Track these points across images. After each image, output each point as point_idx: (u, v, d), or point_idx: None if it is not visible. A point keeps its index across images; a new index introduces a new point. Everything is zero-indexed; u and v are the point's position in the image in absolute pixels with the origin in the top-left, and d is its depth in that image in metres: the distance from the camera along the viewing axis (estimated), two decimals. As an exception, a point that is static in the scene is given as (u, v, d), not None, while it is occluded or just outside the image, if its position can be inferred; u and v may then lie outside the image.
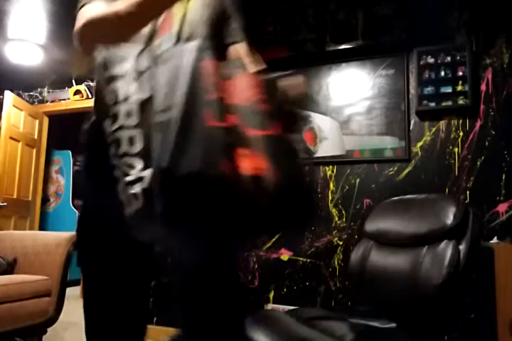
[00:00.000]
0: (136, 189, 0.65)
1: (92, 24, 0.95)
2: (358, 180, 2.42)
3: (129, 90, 0.72)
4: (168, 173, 0.61)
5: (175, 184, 0.61)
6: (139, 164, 0.67)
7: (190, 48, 0.70)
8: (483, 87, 2.18)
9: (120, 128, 0.70)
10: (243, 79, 0.72)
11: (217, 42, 0.83)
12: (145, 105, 0.70)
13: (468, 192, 2.12)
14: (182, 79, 0.66)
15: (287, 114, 0.78)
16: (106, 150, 0.72)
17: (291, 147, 0.73)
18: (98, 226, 0.90)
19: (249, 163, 0.64)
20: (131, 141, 0.69)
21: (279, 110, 0.73)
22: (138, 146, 0.68)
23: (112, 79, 0.74)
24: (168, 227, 0.64)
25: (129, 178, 0.67)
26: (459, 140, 2.18)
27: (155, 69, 0.72)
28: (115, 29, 0.89)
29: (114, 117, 0.71)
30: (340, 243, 2.41)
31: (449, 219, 1.33)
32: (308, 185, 0.78)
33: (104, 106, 0.73)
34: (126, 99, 0.71)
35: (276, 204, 0.66)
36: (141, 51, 0.77)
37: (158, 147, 0.65)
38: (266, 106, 0.70)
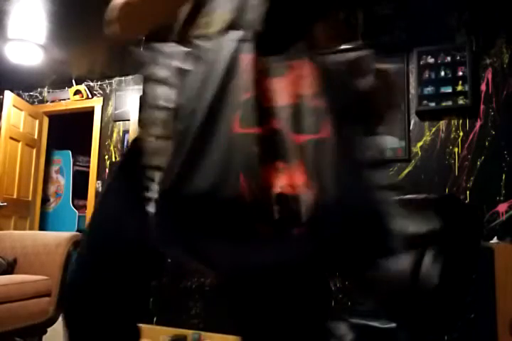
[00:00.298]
0: (151, 208, 0.57)
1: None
2: (358, 180, 2.42)
3: (168, 96, 0.62)
4: (171, 194, 0.52)
5: (178, 207, 0.51)
6: (157, 178, 0.59)
7: (230, 39, 0.60)
8: (483, 87, 2.18)
9: (151, 137, 0.62)
10: (295, 72, 0.59)
11: (272, 30, 0.64)
12: (178, 112, 0.60)
13: (468, 192, 2.12)
14: (214, 76, 0.57)
15: (361, 110, 0.63)
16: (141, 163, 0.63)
17: (350, 155, 0.56)
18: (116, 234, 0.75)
19: (285, 180, 0.52)
20: (155, 152, 0.61)
21: (345, 106, 0.59)
22: (159, 158, 0.59)
23: (153, 83, 0.65)
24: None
25: (148, 194, 0.59)
26: (459, 140, 2.18)
27: (193, 68, 0.62)
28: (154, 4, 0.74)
29: (150, 126, 0.63)
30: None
31: (449, 220, 1.33)
32: (376, 207, 0.56)
33: (145, 113, 0.65)
34: (163, 106, 0.62)
35: (316, 234, 0.51)
36: (183, 46, 0.66)
37: (169, 160, 0.56)
38: (322, 102, 0.56)
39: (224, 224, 0.51)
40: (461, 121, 2.20)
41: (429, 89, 2.25)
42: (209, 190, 0.50)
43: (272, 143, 0.53)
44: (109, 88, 4.40)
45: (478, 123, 2.16)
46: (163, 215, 0.53)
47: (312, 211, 0.50)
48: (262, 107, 0.55)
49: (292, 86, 0.57)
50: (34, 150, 4.49)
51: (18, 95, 4.43)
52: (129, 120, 4.06)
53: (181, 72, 0.62)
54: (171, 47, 0.67)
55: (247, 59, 0.57)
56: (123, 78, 4.32)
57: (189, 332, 2.70)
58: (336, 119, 0.56)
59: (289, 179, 0.52)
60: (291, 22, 0.71)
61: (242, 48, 0.58)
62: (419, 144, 2.27)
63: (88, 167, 4.54)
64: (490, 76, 2.18)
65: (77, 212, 5.01)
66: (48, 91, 4.67)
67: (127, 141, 4.09)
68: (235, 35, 0.60)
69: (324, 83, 0.58)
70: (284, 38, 0.65)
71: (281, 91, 0.57)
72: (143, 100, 0.69)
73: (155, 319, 2.64)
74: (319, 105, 0.56)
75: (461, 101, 2.19)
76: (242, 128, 0.52)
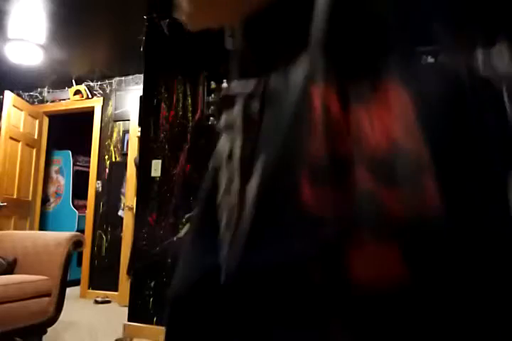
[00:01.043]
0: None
1: None
2: (358, 180, 2.42)
3: (234, 144, 0.53)
4: (236, 274, 0.44)
5: (245, 289, 0.43)
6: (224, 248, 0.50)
7: (297, 74, 0.47)
8: (483, 87, 2.19)
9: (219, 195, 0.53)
10: (383, 100, 0.43)
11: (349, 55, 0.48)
12: (245, 166, 0.50)
13: (468, 192, 2.12)
14: (281, 124, 0.46)
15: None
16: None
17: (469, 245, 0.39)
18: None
19: (374, 271, 0.38)
20: (227, 214, 0.51)
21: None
22: (223, 222, 0.51)
23: (220, 130, 0.57)
24: None
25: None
26: (459, 140, 2.19)
27: (266, 113, 0.51)
28: None
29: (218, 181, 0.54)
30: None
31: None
32: None
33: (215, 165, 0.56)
34: (230, 157, 0.53)
35: None
36: (255, 83, 0.54)
37: (228, 233, 0.48)
38: (426, 150, 0.39)
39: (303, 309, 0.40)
40: (461, 121, 2.20)
41: (429, 89, 2.25)
42: (275, 267, 0.41)
43: (355, 215, 0.39)
44: (109, 88, 4.39)
45: (478, 123, 2.17)
46: (229, 299, 0.46)
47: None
48: (340, 158, 0.42)
49: (380, 121, 0.43)
50: (34, 150, 4.49)
51: (18, 95, 4.44)
52: (129, 120, 4.06)
53: (249, 119, 0.53)
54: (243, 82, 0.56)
55: (318, 93, 0.44)
56: (123, 78, 4.32)
57: (189, 332, 2.69)
58: (450, 180, 0.40)
59: (379, 270, 0.38)
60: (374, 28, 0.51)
61: (313, 78, 0.45)
62: (419, 144, 2.27)
63: (88, 167, 4.55)
64: (490, 76, 2.18)
65: (77, 212, 5.01)
66: (48, 91, 4.67)
67: (127, 141, 4.09)
68: (302, 67, 0.47)
69: (429, 118, 0.41)
70: (365, 51, 0.49)
71: (366, 130, 0.43)
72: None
73: (155, 319, 2.64)
74: (423, 155, 0.40)
75: (461, 101, 2.19)
76: (314, 188, 0.41)
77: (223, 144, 0.55)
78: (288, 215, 0.42)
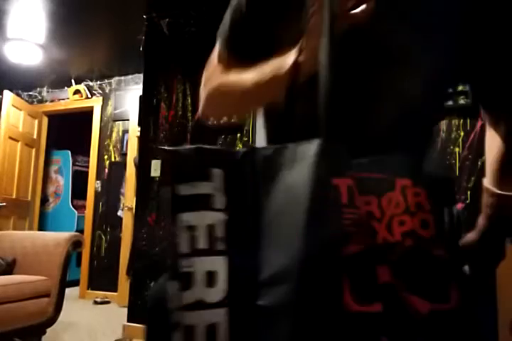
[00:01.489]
0: None
1: (218, 92, 0.72)
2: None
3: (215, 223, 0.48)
4: None
5: None
6: None
7: (306, 154, 0.46)
8: (483, 87, 2.18)
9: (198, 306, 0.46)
10: (401, 188, 0.46)
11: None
12: (237, 265, 0.46)
13: (468, 192, 2.11)
14: (292, 219, 0.44)
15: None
16: None
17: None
18: None
19: None
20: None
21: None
22: None
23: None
24: None
25: None
26: (460, 140, 2.18)
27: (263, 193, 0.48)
28: (239, 100, 0.68)
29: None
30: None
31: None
32: None
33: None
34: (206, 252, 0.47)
35: None
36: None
37: None
38: (444, 248, 0.46)
39: None
40: (461, 120, 2.19)
41: (429, 89, 2.25)
42: None
43: (391, 319, 0.42)
44: (108, 88, 4.39)
45: (479, 123, 2.16)
46: None
47: None
48: (373, 257, 0.43)
49: (399, 215, 0.46)
50: (33, 150, 4.48)
51: (18, 95, 4.43)
52: (128, 120, 4.05)
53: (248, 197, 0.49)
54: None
55: (342, 184, 0.44)
56: (122, 78, 4.32)
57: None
58: (470, 281, 0.47)
59: None
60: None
61: (332, 167, 0.45)
62: (420, 144, 2.26)
63: (87, 167, 4.54)
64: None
65: (76, 212, 5.01)
66: (48, 91, 4.66)
67: (126, 141, 4.08)
68: (313, 145, 0.46)
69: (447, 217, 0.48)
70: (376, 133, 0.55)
71: (385, 222, 0.45)
72: None
73: (154, 319, 2.63)
74: (444, 254, 0.45)
75: (461, 101, 2.18)
76: (360, 305, 0.42)
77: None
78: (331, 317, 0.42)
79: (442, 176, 0.52)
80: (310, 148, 0.45)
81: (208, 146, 0.50)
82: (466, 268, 0.62)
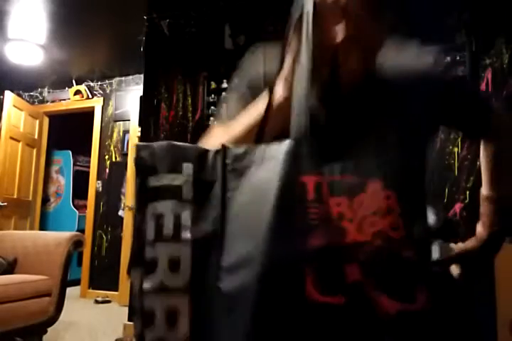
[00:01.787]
0: None
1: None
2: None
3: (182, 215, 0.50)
4: None
5: None
6: None
7: (276, 153, 0.49)
8: (483, 87, 2.18)
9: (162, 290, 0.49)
10: (371, 189, 0.49)
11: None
12: (201, 252, 0.48)
13: (468, 192, 2.12)
14: (259, 211, 0.46)
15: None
16: None
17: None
18: None
19: None
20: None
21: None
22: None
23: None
24: None
25: None
26: (459, 140, 2.19)
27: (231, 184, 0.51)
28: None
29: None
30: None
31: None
32: None
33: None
34: (175, 238, 0.50)
35: None
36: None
37: None
38: (413, 251, 0.48)
39: None
40: (461, 121, 2.20)
41: (429, 89, 2.25)
42: None
43: (356, 315, 0.44)
44: (109, 88, 4.40)
45: (478, 124, 2.17)
46: None
47: None
48: (344, 254, 0.46)
49: (370, 216, 0.48)
50: (34, 150, 4.49)
51: (19, 95, 4.44)
52: (129, 120, 4.06)
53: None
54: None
55: (309, 182, 0.47)
56: (123, 78, 4.33)
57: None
58: (440, 283, 0.49)
59: None
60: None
61: (300, 165, 0.47)
62: (419, 144, 2.27)
63: (88, 167, 4.55)
64: (490, 76, 2.18)
65: (77, 211, 5.02)
66: (48, 92, 4.67)
67: (127, 141, 4.09)
68: (283, 145, 0.49)
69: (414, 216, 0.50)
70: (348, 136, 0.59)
71: (356, 222, 0.48)
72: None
73: (155, 319, 2.64)
74: (412, 256, 0.48)
75: (461, 101, 2.19)
76: (322, 296, 0.44)
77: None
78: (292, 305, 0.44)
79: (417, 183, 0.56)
80: (280, 147, 0.49)
81: (180, 143, 0.53)
82: (456, 271, 0.64)
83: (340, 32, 0.62)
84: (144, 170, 0.52)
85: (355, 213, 0.48)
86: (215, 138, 0.75)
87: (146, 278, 0.49)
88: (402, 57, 0.78)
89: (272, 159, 0.48)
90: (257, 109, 0.63)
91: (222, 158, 0.51)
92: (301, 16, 0.61)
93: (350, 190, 0.49)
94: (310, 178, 0.48)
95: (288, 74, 0.60)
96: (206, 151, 0.53)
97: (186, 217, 0.49)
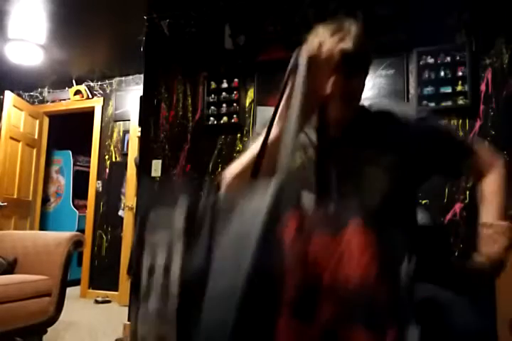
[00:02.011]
0: None
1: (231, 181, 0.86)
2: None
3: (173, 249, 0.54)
4: None
5: None
6: None
7: (264, 191, 0.51)
8: (482, 87, 2.18)
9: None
10: (347, 236, 0.50)
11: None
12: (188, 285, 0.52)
13: (467, 192, 2.12)
14: (245, 249, 0.47)
15: None
16: None
17: None
18: None
19: None
20: None
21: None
22: None
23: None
24: None
25: None
26: (459, 140, 2.19)
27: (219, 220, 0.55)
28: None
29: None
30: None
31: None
32: None
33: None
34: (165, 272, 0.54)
35: None
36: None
37: None
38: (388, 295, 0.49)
39: None
40: (460, 121, 2.20)
41: (428, 89, 2.24)
42: None
43: None
44: (109, 88, 4.40)
45: (478, 124, 2.16)
46: None
47: None
48: (310, 289, 0.47)
49: (343, 254, 0.49)
50: (34, 150, 4.49)
51: (19, 95, 4.44)
52: (129, 120, 4.06)
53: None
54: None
55: (291, 220, 0.49)
56: (123, 78, 4.33)
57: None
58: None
59: None
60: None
61: (280, 208, 0.49)
62: (419, 144, 2.26)
63: (88, 167, 4.55)
64: (490, 76, 2.18)
65: (77, 211, 5.02)
66: (48, 92, 4.67)
67: (127, 141, 4.09)
68: (267, 185, 0.51)
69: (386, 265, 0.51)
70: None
71: (333, 262, 0.49)
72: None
73: (155, 319, 2.64)
74: (386, 293, 0.50)
75: (460, 102, 2.18)
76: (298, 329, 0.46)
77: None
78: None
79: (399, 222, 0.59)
80: (266, 186, 0.51)
81: (177, 178, 0.61)
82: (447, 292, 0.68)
83: (329, 86, 0.76)
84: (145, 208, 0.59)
85: (334, 250, 0.50)
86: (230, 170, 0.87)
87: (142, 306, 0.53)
88: (400, 105, 0.91)
89: (258, 198, 0.51)
90: (256, 146, 0.72)
91: (214, 196, 0.56)
92: (296, 66, 0.68)
93: (331, 228, 0.51)
94: (292, 216, 0.50)
95: (282, 116, 0.68)
96: (200, 187, 0.58)
97: (179, 244, 0.53)
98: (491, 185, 0.94)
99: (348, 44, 0.82)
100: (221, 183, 0.86)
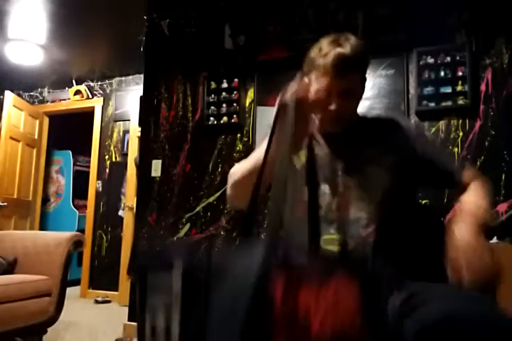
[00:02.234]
0: None
1: (233, 184, 0.95)
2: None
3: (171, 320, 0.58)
4: None
5: None
6: None
7: (254, 250, 0.55)
8: (482, 87, 2.18)
9: None
10: (334, 283, 0.53)
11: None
12: None
13: (468, 192, 2.12)
14: (238, 310, 0.51)
15: None
16: None
17: None
18: None
19: None
20: None
21: None
22: None
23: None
24: None
25: None
26: (459, 140, 2.19)
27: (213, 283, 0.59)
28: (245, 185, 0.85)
29: None
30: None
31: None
32: None
33: None
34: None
35: None
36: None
37: None
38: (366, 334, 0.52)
39: None
40: (460, 121, 2.20)
41: (428, 89, 2.24)
42: None
43: None
44: (109, 88, 4.40)
45: (477, 124, 2.16)
46: None
47: None
48: None
49: (330, 305, 0.52)
50: (34, 150, 4.49)
51: (19, 95, 4.44)
52: (129, 120, 4.06)
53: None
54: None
55: (280, 278, 0.52)
56: (123, 78, 4.33)
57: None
58: None
59: None
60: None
61: (273, 261, 0.53)
62: (419, 144, 2.26)
63: (88, 167, 4.55)
64: (490, 76, 2.18)
65: (77, 211, 5.02)
66: (48, 92, 4.67)
67: (127, 141, 4.09)
68: (262, 242, 0.55)
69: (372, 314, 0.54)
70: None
71: (313, 317, 0.51)
72: None
73: (155, 319, 2.64)
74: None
75: (460, 102, 2.18)
76: None
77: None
78: None
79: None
80: (257, 243, 0.55)
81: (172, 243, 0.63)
82: None
83: (319, 122, 0.91)
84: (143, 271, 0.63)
85: (318, 304, 0.51)
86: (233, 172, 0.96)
87: None
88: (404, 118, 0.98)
89: (250, 255, 0.54)
90: (256, 155, 0.80)
91: (208, 255, 0.59)
92: (283, 106, 0.73)
93: (315, 282, 0.53)
94: (281, 273, 0.53)
95: (278, 137, 0.73)
96: (196, 248, 0.61)
97: (176, 308, 0.57)
98: (471, 197, 0.92)
99: (346, 48, 0.92)
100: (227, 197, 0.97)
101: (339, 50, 0.92)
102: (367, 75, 1.05)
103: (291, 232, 0.88)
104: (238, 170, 0.92)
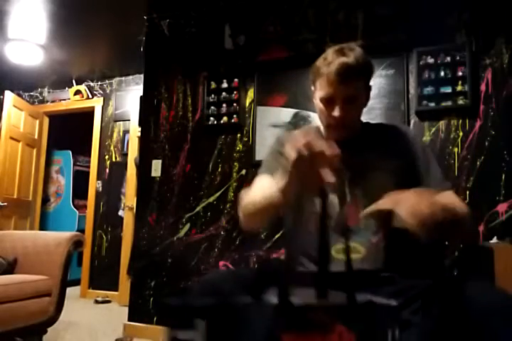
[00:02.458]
0: None
1: (245, 208, 1.02)
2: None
3: None
4: None
5: None
6: None
7: (263, 313, 0.60)
8: (482, 87, 2.18)
9: None
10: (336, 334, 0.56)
11: None
12: None
13: (468, 192, 2.12)
14: None
15: None
16: None
17: None
18: None
19: None
20: None
21: None
22: None
23: None
24: None
25: None
26: (459, 140, 2.19)
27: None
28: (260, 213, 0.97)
29: None
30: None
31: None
32: None
33: None
34: None
35: None
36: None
37: None
38: None
39: None
40: (460, 121, 2.20)
41: (428, 89, 2.24)
42: None
43: None
44: (109, 88, 4.40)
45: (477, 124, 2.16)
46: None
47: None
48: None
49: None
50: (34, 151, 4.49)
51: (19, 95, 4.44)
52: (129, 120, 4.06)
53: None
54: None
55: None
56: (123, 78, 4.33)
57: (189, 332, 2.69)
58: None
59: None
60: None
61: (281, 325, 0.56)
62: (419, 144, 2.26)
63: (88, 167, 4.55)
64: (490, 76, 2.18)
65: (77, 211, 5.02)
66: (49, 92, 4.67)
67: (127, 141, 4.09)
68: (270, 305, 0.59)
69: None
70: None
71: None
72: None
73: (155, 319, 2.64)
74: None
75: (460, 102, 2.18)
76: None
77: None
78: None
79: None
80: (266, 307, 0.57)
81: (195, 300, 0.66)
82: None
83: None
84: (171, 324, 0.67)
85: None
86: (258, 186, 1.03)
87: None
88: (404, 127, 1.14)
89: (260, 318, 0.57)
90: (274, 185, 0.84)
91: (226, 316, 0.61)
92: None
93: (317, 336, 0.56)
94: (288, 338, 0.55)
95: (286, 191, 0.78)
96: (216, 308, 0.62)
97: None
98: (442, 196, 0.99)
99: (349, 58, 0.99)
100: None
101: (343, 59, 0.99)
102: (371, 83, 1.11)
103: (302, 244, 0.93)
104: (250, 203, 0.99)
